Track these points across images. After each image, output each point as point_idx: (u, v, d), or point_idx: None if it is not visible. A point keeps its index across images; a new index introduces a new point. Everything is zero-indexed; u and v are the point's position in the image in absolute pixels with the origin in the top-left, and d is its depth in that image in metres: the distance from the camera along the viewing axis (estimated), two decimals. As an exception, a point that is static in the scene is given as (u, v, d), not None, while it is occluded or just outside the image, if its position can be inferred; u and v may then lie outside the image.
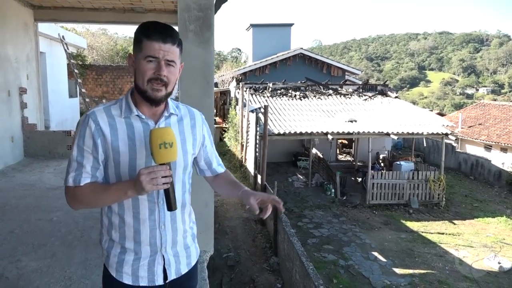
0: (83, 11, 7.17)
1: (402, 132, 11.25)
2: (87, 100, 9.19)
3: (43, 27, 8.22)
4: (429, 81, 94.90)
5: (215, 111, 20.59)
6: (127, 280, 1.42)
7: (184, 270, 1.51)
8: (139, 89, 1.33)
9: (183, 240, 1.50)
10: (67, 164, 1.38)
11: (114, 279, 1.43)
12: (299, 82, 15.87)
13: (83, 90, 9.40)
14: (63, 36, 9.44)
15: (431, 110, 23.28)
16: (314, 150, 13.80)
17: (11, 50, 6.53)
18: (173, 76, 1.34)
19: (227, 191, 1.59)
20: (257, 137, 11.42)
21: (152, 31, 1.29)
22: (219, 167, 1.64)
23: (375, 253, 8.23)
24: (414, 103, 45.45)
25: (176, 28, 2.40)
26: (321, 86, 15.58)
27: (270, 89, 14.93)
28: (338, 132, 11.08)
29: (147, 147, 1.32)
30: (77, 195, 1.35)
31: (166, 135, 1.26)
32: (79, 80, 9.39)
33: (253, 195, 1.39)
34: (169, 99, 1.44)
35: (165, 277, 1.45)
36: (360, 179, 13.06)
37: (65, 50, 9.41)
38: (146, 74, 1.30)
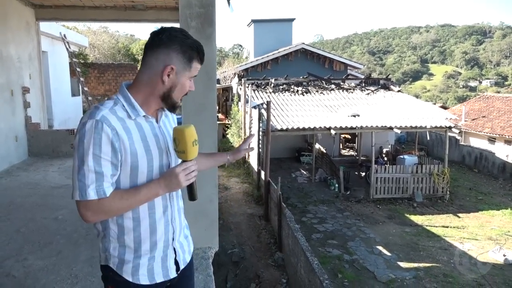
0: (84, 9, 7.17)
1: (405, 126, 11.22)
2: (89, 98, 9.21)
3: (45, 26, 8.22)
4: (431, 74, 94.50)
5: (217, 107, 20.57)
6: (144, 281, 1.41)
7: (188, 258, 1.59)
8: (170, 100, 1.39)
9: (183, 230, 1.58)
10: (79, 177, 1.26)
11: (131, 283, 1.40)
12: (301, 77, 15.81)
13: (86, 89, 9.42)
14: (64, 35, 9.45)
15: (434, 103, 23.16)
16: (317, 145, 13.78)
17: (14, 50, 6.54)
18: None
19: (207, 163, 1.75)
20: (260, 133, 11.41)
21: (202, 56, 1.41)
22: None
23: (380, 247, 8.23)
24: (417, 96, 45.25)
25: (177, 25, 2.40)
26: (323, 81, 15.53)
27: (272, 84, 14.90)
28: (341, 127, 11.06)
29: (159, 146, 1.39)
30: (104, 207, 1.28)
31: (195, 132, 1.34)
32: (82, 79, 9.40)
33: (239, 150, 1.74)
34: None
35: (177, 269, 1.50)
36: (363, 174, 13.04)
37: (67, 49, 9.42)
38: (185, 91, 1.41)
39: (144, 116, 1.36)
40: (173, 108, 1.42)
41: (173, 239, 1.48)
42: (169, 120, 1.54)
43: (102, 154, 1.25)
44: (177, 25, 2.35)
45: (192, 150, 1.32)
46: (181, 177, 1.30)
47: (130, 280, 1.40)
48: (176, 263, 1.50)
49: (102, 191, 1.26)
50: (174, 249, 1.49)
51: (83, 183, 1.24)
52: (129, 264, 1.39)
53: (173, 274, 1.48)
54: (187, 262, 1.57)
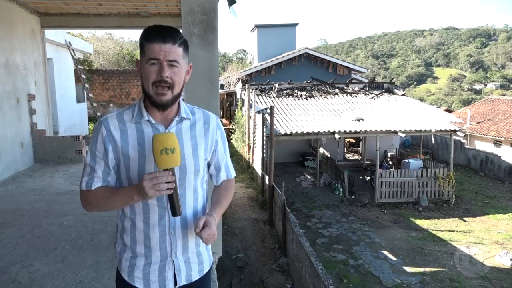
0: (89, 17, 7.25)
1: (410, 130, 11.18)
2: (94, 104, 9.27)
3: (50, 33, 8.32)
4: (436, 78, 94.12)
5: (221, 112, 20.64)
6: (139, 284, 1.43)
7: (195, 277, 1.49)
8: (146, 94, 1.34)
9: (196, 246, 1.49)
10: (83, 168, 1.43)
11: (126, 282, 1.45)
12: (305, 82, 15.84)
13: (91, 95, 9.48)
14: (69, 42, 9.54)
15: (439, 107, 23.10)
16: (321, 150, 13.76)
17: (19, 57, 6.61)
18: (178, 77, 1.33)
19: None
20: (264, 137, 11.42)
21: (152, 33, 1.30)
22: (225, 175, 1.59)
23: (385, 252, 8.19)
24: (421, 100, 45.12)
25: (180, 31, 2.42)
26: (327, 86, 15.54)
27: (276, 89, 14.93)
28: (345, 131, 11.04)
29: None
30: (89, 199, 1.41)
31: (168, 140, 1.25)
32: (86, 85, 9.47)
33: (203, 218, 1.33)
34: (183, 103, 1.44)
35: (176, 283, 1.45)
36: (368, 178, 12.99)
37: (72, 56, 9.51)
38: (150, 77, 1.30)
39: (147, 120, 1.37)
40: (154, 104, 1.33)
41: (171, 251, 1.42)
42: (197, 131, 1.45)
43: (97, 151, 1.39)
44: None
45: (161, 159, 1.23)
46: (146, 184, 1.22)
47: (126, 279, 1.45)
48: (175, 276, 1.45)
49: (90, 184, 1.39)
50: (174, 261, 1.43)
51: (82, 174, 1.43)
52: (126, 263, 1.45)
53: (170, 286, 1.44)
54: (192, 280, 1.48)
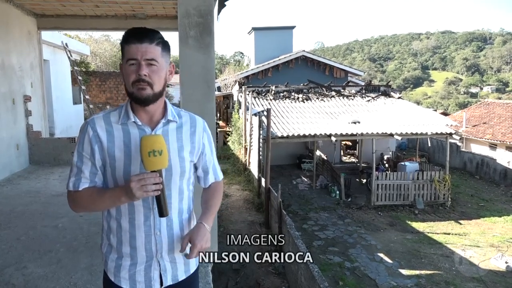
0: (86, 18, 7.24)
1: (406, 133, 11.22)
2: (91, 106, 9.26)
3: (47, 35, 8.30)
4: (432, 81, 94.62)
5: (218, 115, 20.63)
6: (125, 285, 1.44)
7: (181, 276, 1.51)
8: (127, 93, 1.37)
9: (180, 246, 1.49)
10: (70, 168, 1.43)
11: (113, 283, 1.45)
12: (301, 84, 15.86)
13: (87, 97, 9.47)
14: (66, 44, 9.53)
15: (435, 110, 23.19)
16: (318, 152, 13.78)
17: (15, 59, 6.59)
18: (156, 75, 1.34)
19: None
20: (261, 140, 11.43)
21: (129, 35, 1.33)
22: (213, 178, 1.61)
23: (381, 255, 8.20)
24: (418, 103, 45.27)
25: (176, 34, 2.43)
26: (323, 88, 15.57)
27: (273, 92, 14.95)
28: (341, 133, 11.07)
29: None
30: (76, 199, 1.42)
31: (156, 143, 1.27)
32: (83, 87, 9.46)
33: (189, 234, 1.39)
34: (170, 106, 1.46)
35: (162, 283, 1.46)
36: (364, 180, 13.02)
37: (69, 57, 9.50)
38: (130, 77, 1.33)
39: (134, 122, 1.38)
40: (136, 100, 1.35)
41: (156, 251, 1.43)
42: (184, 134, 1.46)
43: (84, 152, 1.39)
44: (176, 34, 2.38)
45: (149, 160, 1.25)
46: (133, 185, 1.24)
47: (112, 279, 1.46)
48: (161, 276, 1.46)
49: (77, 185, 1.40)
50: (159, 262, 1.44)
51: (69, 175, 1.43)
52: (112, 263, 1.46)
53: (156, 286, 1.45)
54: (178, 280, 1.50)
